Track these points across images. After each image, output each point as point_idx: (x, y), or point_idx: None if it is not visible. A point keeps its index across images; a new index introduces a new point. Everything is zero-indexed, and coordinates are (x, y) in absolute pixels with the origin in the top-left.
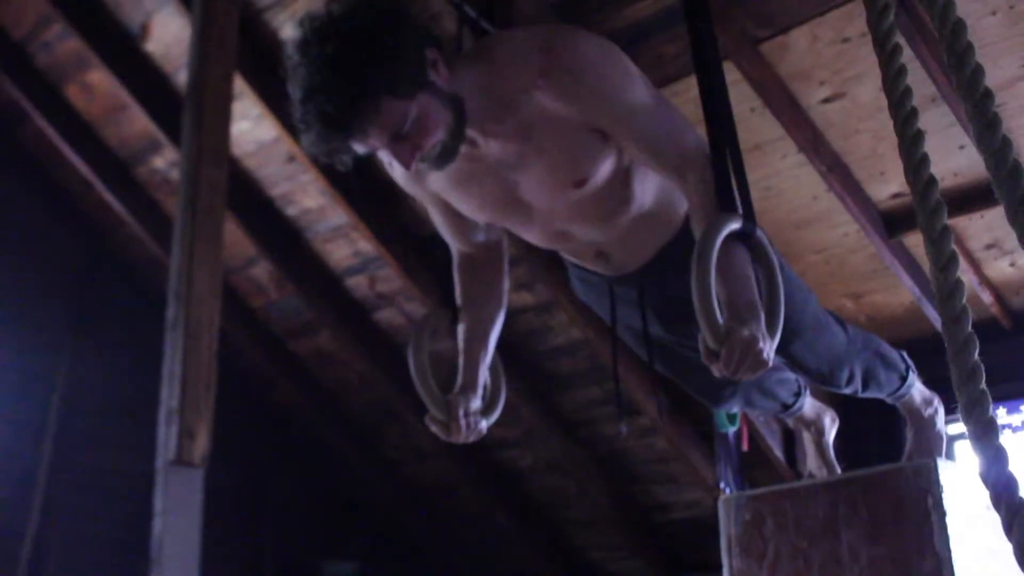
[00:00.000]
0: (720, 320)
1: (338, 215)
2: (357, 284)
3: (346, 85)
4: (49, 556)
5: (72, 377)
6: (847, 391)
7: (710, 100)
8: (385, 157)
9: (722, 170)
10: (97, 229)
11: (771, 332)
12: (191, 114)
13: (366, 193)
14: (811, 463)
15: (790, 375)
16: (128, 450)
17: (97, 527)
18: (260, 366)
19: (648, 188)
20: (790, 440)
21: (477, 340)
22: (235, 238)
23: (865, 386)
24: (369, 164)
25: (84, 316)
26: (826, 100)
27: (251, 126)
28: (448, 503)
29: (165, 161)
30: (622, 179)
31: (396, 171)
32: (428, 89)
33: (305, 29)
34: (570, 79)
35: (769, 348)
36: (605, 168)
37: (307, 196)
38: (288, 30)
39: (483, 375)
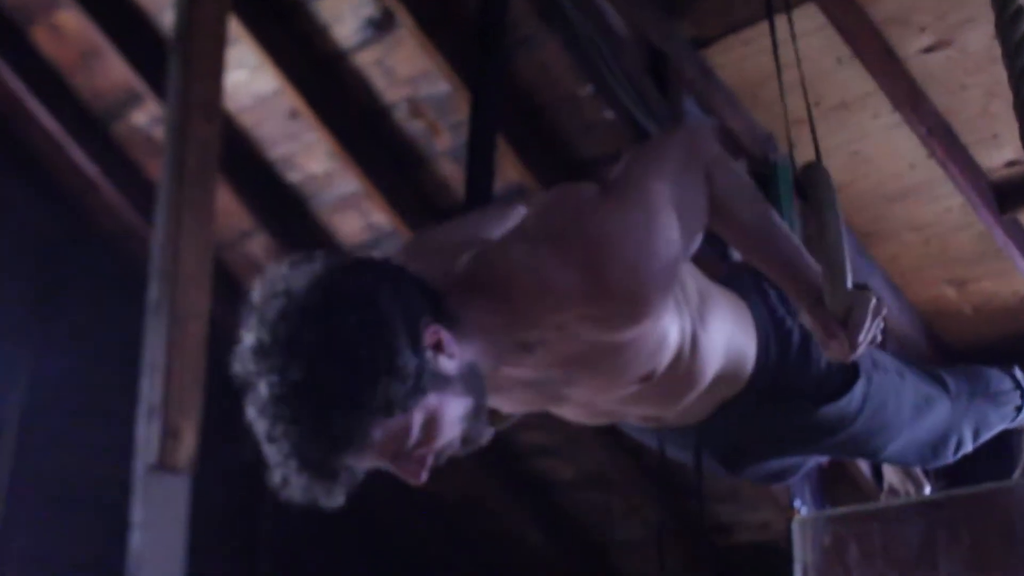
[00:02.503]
0: (851, 280)
1: (348, 182)
2: None
3: (325, 423)
4: (10, 570)
5: (37, 370)
6: (956, 459)
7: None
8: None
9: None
10: (67, 196)
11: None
12: (178, 62)
13: (381, 156)
14: (892, 476)
15: None
16: (102, 454)
17: (65, 545)
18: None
19: (715, 353)
20: None
21: None
22: (228, 207)
23: (976, 440)
24: (384, 122)
25: (51, 298)
26: (927, 49)
27: (248, 76)
28: (472, 518)
29: (147, 116)
30: (693, 349)
31: None
32: (434, 386)
33: (262, 334)
34: (624, 312)
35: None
36: (673, 345)
37: (312, 159)
38: None
39: None
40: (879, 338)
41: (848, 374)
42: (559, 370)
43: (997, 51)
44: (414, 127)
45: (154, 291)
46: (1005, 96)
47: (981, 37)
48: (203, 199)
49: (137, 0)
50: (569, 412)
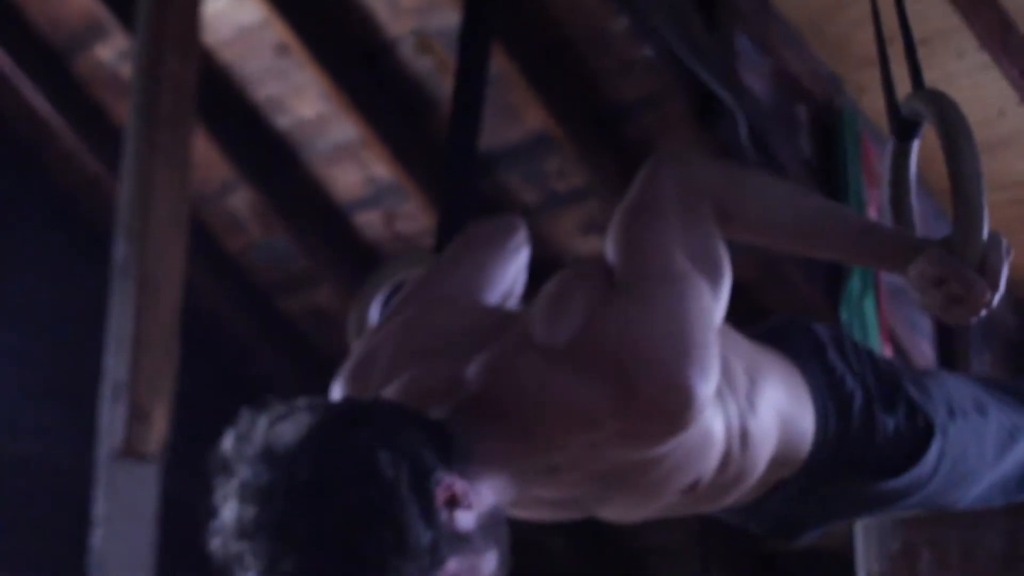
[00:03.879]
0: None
1: (345, 128)
2: (369, 222)
3: None
4: None
5: None
6: None
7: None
8: None
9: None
10: (18, 142)
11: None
12: None
13: (383, 98)
14: None
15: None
16: (58, 440)
17: (17, 543)
18: (238, 329)
19: (768, 438)
20: None
21: None
22: (206, 157)
23: None
24: (387, 59)
25: (1, 256)
26: None
27: (229, 5)
28: None
29: (113, 51)
30: (742, 445)
31: None
32: (453, 550)
33: (242, 510)
34: (663, 422)
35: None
36: (720, 446)
37: (304, 102)
38: None
39: None
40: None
41: (920, 433)
42: (589, 489)
43: None
44: (421, 64)
45: (120, 252)
46: None
47: None
48: (177, 147)
49: None
50: (607, 516)
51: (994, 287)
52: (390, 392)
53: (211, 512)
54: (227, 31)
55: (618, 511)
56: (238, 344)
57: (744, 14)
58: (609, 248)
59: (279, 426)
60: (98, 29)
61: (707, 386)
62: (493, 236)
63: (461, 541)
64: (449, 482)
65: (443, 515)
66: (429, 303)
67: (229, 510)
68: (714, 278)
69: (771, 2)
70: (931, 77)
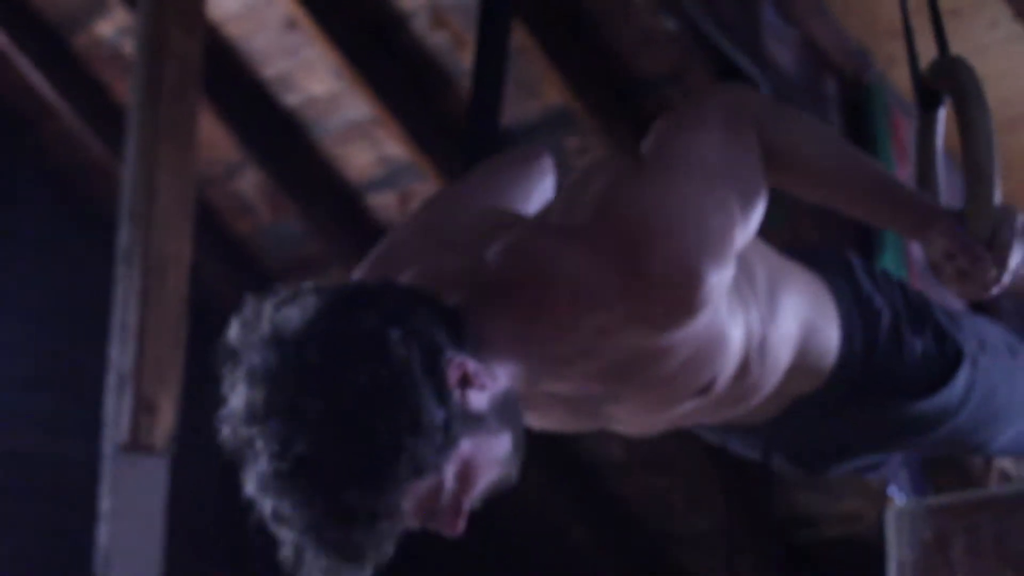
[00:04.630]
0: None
1: (357, 105)
2: (383, 203)
3: (345, 502)
4: None
5: None
6: None
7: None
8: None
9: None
10: (16, 122)
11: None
12: None
13: (397, 74)
14: (1004, 459)
15: None
16: (62, 433)
17: (19, 539)
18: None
19: (787, 347)
20: None
21: None
22: (213, 136)
23: None
24: (400, 36)
25: None
26: None
27: None
28: (509, 509)
29: (114, 26)
30: (759, 350)
31: None
32: (467, 431)
33: (252, 393)
34: (673, 307)
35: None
36: (736, 349)
37: (314, 78)
38: None
39: None
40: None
41: (949, 359)
42: (602, 384)
43: None
44: (436, 39)
45: (124, 236)
46: None
47: None
48: (182, 126)
49: None
50: (621, 428)
51: (1002, 263)
52: (403, 280)
53: (222, 403)
54: (233, 4)
55: (632, 415)
56: None
57: None
58: (643, 147)
59: (286, 310)
60: (98, 3)
61: (717, 274)
62: (518, 160)
63: (474, 421)
64: (461, 362)
65: (456, 395)
66: (450, 208)
67: (238, 396)
68: (745, 195)
69: None
70: (962, 48)
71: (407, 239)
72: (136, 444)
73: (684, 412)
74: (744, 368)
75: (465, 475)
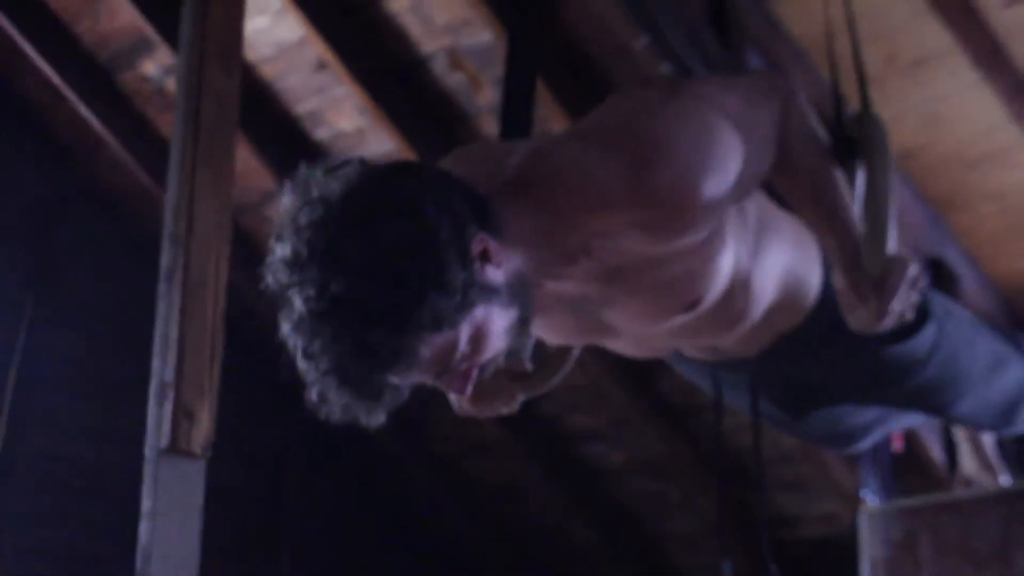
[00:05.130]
0: (894, 243)
1: (382, 140)
2: None
3: (370, 340)
4: (0, 562)
5: (33, 344)
6: None
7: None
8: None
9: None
10: (69, 153)
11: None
12: (193, 5)
13: (418, 112)
14: (968, 466)
15: None
16: (105, 437)
17: (63, 535)
18: (278, 331)
19: (770, 283)
20: (951, 437)
21: None
22: (249, 167)
23: None
24: (421, 74)
25: (50, 265)
26: (1011, 2)
27: (270, 23)
28: (513, 509)
29: (158, 66)
30: (742, 283)
31: None
32: (482, 298)
33: (296, 244)
34: (669, 219)
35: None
36: (723, 275)
37: (342, 115)
38: None
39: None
40: (911, 314)
41: (919, 316)
42: (599, 286)
43: None
44: (454, 80)
45: (166, 258)
46: None
47: None
48: (221, 158)
49: None
50: (619, 345)
51: (882, 306)
52: None
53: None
54: (268, 48)
55: (626, 324)
56: (279, 346)
57: (754, 33)
58: (680, 83)
59: (334, 173)
60: (144, 45)
61: (712, 202)
62: None
63: (489, 292)
64: (483, 239)
65: (476, 265)
66: (475, 148)
67: (283, 247)
68: (754, 149)
69: (780, 22)
70: (926, 95)
71: (445, 163)
72: (176, 448)
73: (673, 330)
74: (729, 296)
75: (477, 339)
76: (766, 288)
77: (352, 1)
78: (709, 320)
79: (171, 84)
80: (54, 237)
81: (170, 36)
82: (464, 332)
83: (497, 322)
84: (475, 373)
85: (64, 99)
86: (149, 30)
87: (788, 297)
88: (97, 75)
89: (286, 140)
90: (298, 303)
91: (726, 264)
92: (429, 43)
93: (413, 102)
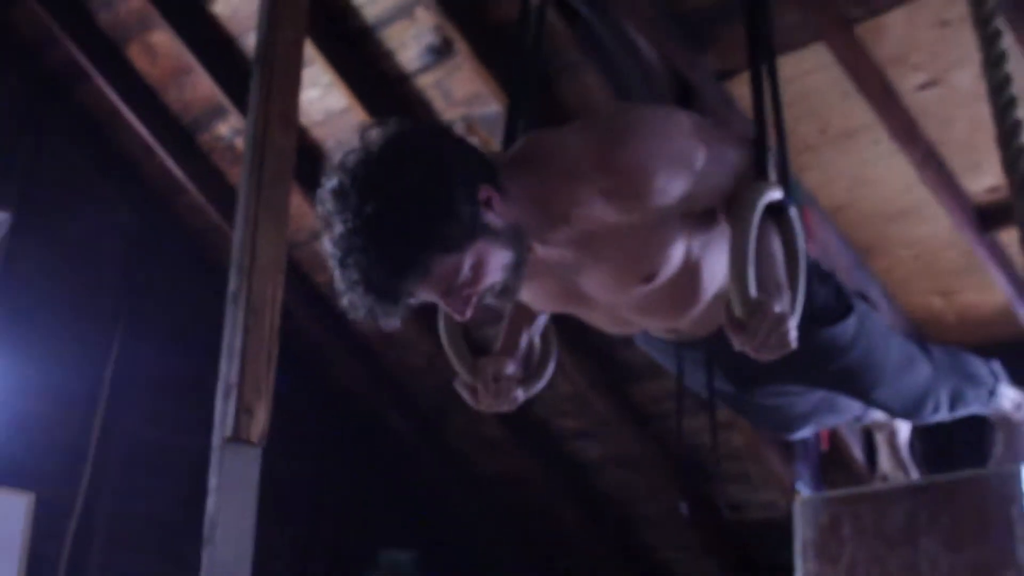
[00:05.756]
0: (753, 290)
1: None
2: None
3: (393, 252)
4: (96, 532)
5: (124, 352)
6: (935, 419)
7: (760, 91)
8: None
9: (762, 156)
10: (156, 197)
11: (792, 311)
12: (259, 79)
13: None
14: (885, 464)
15: None
16: (180, 426)
17: (147, 502)
18: (323, 345)
19: (718, 274)
20: (870, 438)
21: (524, 306)
22: (301, 210)
23: (953, 410)
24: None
25: (140, 287)
26: (922, 86)
27: (321, 94)
28: (511, 494)
29: (230, 128)
30: (694, 267)
31: None
32: (484, 234)
33: (342, 176)
34: (628, 190)
35: (794, 330)
36: (676, 259)
37: None
38: None
39: (524, 341)
40: (789, 345)
41: (843, 307)
42: (576, 252)
43: (982, 89)
44: (472, 142)
45: (233, 283)
46: (988, 129)
47: (968, 76)
48: (278, 202)
49: (223, 23)
50: (596, 318)
51: (747, 341)
52: None
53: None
54: (319, 114)
55: (598, 292)
56: (324, 356)
57: (713, 109)
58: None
59: (374, 128)
60: (219, 111)
61: (668, 179)
62: None
63: (490, 231)
64: (488, 189)
65: (481, 207)
66: None
67: (330, 181)
68: (713, 169)
69: (733, 100)
70: (853, 160)
71: None
72: (237, 438)
73: (636, 304)
74: (681, 279)
75: (478, 268)
76: (715, 277)
77: (387, 78)
78: (665, 298)
79: (239, 143)
80: (142, 265)
81: (240, 104)
82: (468, 259)
83: (495, 258)
84: (474, 300)
85: (154, 153)
86: (223, 99)
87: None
88: (181, 134)
89: None
90: (338, 224)
91: (678, 251)
92: (449, 112)
93: None
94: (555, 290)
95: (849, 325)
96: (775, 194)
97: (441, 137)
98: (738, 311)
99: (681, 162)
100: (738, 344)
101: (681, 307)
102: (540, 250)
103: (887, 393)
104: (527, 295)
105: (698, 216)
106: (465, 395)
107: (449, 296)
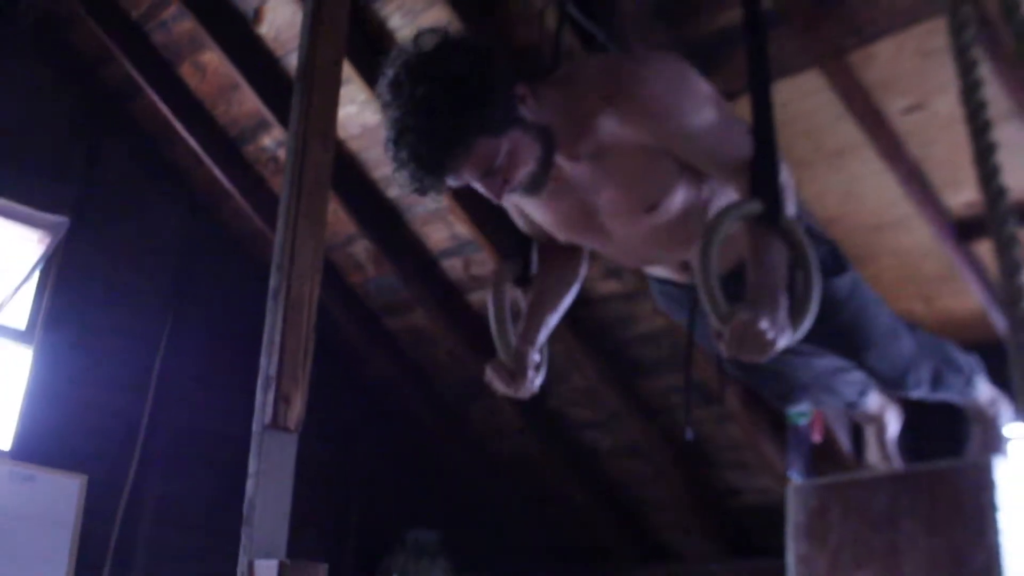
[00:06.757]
0: (722, 301)
1: (436, 199)
2: (452, 266)
3: (440, 128)
4: (143, 511)
5: (172, 346)
6: (916, 394)
7: (759, 109)
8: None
9: (762, 168)
10: (205, 203)
11: (797, 320)
12: (300, 96)
13: None
14: (872, 455)
15: (857, 375)
16: (223, 413)
17: (191, 484)
18: (355, 340)
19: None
20: (859, 431)
21: (548, 303)
22: (337, 216)
23: (933, 389)
24: None
25: (188, 284)
26: (907, 110)
27: (357, 110)
28: (528, 479)
29: (273, 140)
30: (700, 209)
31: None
32: (518, 124)
33: (398, 67)
34: (634, 105)
35: (777, 333)
36: (677, 197)
37: None
38: (396, 20)
39: (544, 337)
40: (766, 351)
41: (839, 265)
42: (592, 168)
43: (961, 113)
44: None
45: (273, 282)
46: (965, 149)
47: (948, 101)
48: (316, 209)
49: (268, 44)
50: (613, 251)
51: (724, 348)
52: None
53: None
54: (355, 128)
55: (609, 213)
56: (356, 351)
57: None
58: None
59: (427, 33)
60: (263, 124)
61: (678, 112)
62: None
63: (524, 123)
64: (525, 88)
65: (516, 100)
66: None
67: (389, 74)
68: (722, 133)
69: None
70: (844, 177)
71: None
72: (276, 425)
73: (645, 234)
74: (688, 212)
75: (512, 155)
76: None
77: None
78: (672, 230)
79: (281, 154)
80: (190, 266)
81: (282, 119)
82: (504, 145)
83: (527, 150)
84: (508, 186)
85: (202, 163)
86: (267, 114)
87: (737, 235)
88: (228, 146)
89: (365, 197)
90: (393, 109)
91: (679, 190)
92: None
93: None
94: (575, 214)
95: (845, 281)
96: (752, 207)
97: (488, 45)
98: (712, 322)
99: (688, 100)
100: (721, 350)
101: (687, 243)
102: (563, 165)
103: (875, 356)
104: (545, 220)
105: (706, 178)
106: (496, 379)
107: (487, 178)
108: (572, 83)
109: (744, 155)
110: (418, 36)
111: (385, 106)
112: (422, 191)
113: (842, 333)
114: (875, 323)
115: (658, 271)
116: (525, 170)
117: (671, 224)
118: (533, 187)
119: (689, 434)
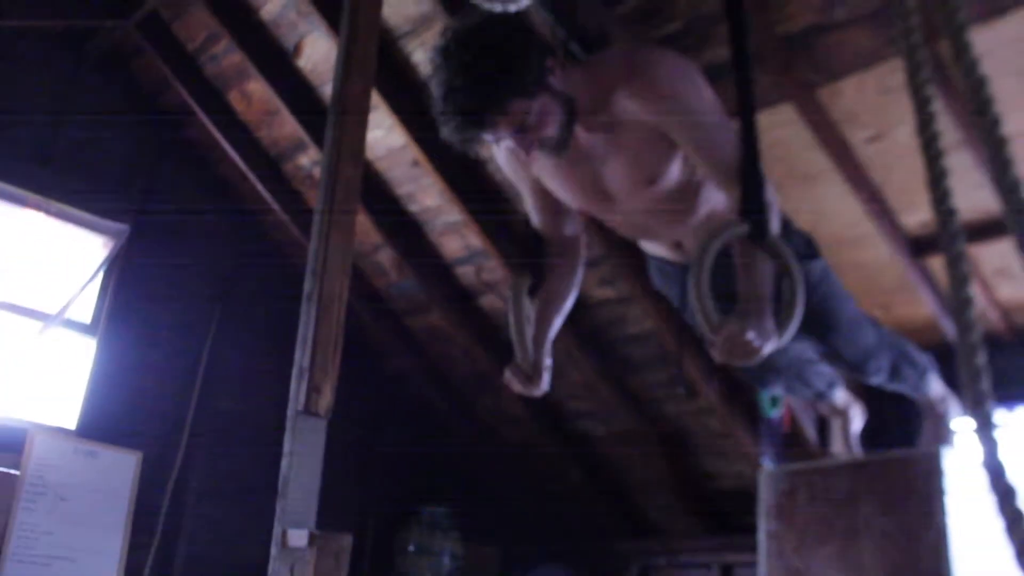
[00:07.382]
0: (714, 314)
1: (453, 213)
2: (465, 273)
3: (482, 87)
4: (190, 485)
5: (218, 341)
6: (875, 381)
7: (746, 134)
8: (508, 145)
9: (750, 190)
10: (249, 214)
11: (782, 326)
12: (333, 121)
13: (478, 195)
14: (836, 446)
15: (826, 368)
16: (262, 400)
17: (233, 463)
18: (379, 337)
19: (717, 197)
20: (824, 424)
21: (553, 310)
22: (364, 228)
23: (891, 379)
24: (481, 171)
25: (233, 286)
26: (870, 139)
27: (383, 134)
28: (530, 462)
29: (309, 160)
30: (693, 189)
31: (505, 161)
32: (547, 90)
33: (448, 38)
34: (647, 88)
35: (763, 341)
36: (673, 173)
37: (427, 196)
38: (419, 56)
39: (551, 340)
40: (753, 356)
41: (812, 253)
42: (602, 139)
43: (916, 143)
44: (502, 175)
45: (308, 285)
46: (921, 175)
47: (906, 132)
48: (346, 221)
49: (306, 75)
50: (618, 222)
51: (720, 353)
52: None
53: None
54: (381, 150)
55: (615, 187)
56: (380, 347)
57: None
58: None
59: (473, 11)
60: (301, 146)
61: (675, 98)
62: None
63: (552, 91)
64: (555, 62)
65: (547, 70)
66: None
67: (439, 43)
68: (717, 132)
69: None
70: (815, 197)
71: None
72: (308, 411)
73: (647, 207)
74: (682, 190)
75: (541, 116)
76: (709, 201)
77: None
78: (668, 204)
79: (316, 172)
80: (235, 270)
81: (318, 141)
82: (535, 106)
83: (554, 114)
84: (536, 143)
85: (247, 179)
86: (304, 136)
87: (731, 213)
88: (269, 164)
89: (390, 211)
90: (442, 72)
91: (675, 169)
92: (484, 150)
93: (476, 188)
94: (587, 183)
95: (817, 265)
96: (740, 228)
97: (527, 24)
98: (705, 331)
99: (694, 93)
100: (712, 354)
101: (682, 216)
102: (580, 136)
103: (841, 340)
104: (560, 188)
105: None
106: (514, 380)
107: (518, 135)
108: (595, 65)
109: (731, 157)
110: (465, 11)
111: (436, 69)
112: (465, 143)
113: (814, 313)
114: (842, 308)
115: (655, 249)
116: (551, 131)
117: (668, 198)
118: (556, 148)
119: (681, 389)
